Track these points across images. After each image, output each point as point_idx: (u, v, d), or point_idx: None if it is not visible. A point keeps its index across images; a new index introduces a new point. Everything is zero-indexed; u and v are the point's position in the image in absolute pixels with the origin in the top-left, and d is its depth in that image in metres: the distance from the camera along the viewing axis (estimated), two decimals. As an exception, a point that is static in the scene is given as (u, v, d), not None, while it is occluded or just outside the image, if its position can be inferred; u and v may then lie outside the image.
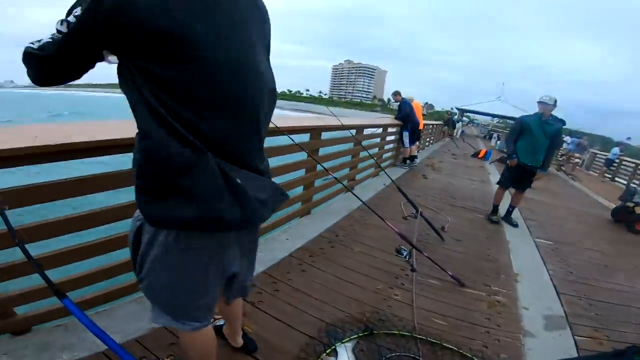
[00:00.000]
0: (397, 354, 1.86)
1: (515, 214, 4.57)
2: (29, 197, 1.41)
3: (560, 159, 12.35)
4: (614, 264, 3.60)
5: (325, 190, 3.98)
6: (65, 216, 1.59)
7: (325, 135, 3.47)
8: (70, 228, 1.59)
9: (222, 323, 1.77)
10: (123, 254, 1.75)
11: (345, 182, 4.10)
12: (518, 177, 4.16)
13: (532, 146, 3.91)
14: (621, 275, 3.34)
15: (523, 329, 2.24)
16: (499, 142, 13.90)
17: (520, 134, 4.00)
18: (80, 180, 1.57)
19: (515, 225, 4.30)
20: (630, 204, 5.16)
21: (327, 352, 1.79)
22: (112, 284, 1.89)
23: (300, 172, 3.42)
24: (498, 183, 4.43)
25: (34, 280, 1.39)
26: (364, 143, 4.67)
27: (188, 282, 1.00)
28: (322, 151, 3.58)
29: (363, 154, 4.74)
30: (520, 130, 3.98)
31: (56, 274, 1.42)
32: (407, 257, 2.64)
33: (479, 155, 10.96)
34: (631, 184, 8.23)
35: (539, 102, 3.85)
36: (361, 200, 3.05)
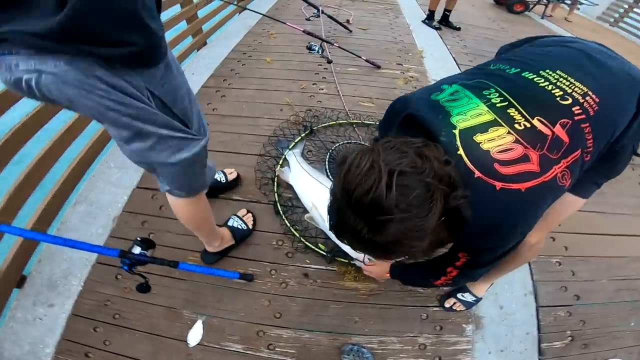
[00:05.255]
0: (341, 143, 2.00)
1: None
2: None
3: None
4: (499, 37, 4.03)
5: (213, 18, 3.40)
6: None
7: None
8: None
9: None
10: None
11: (234, 3, 3.51)
12: None
13: None
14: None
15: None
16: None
17: None
18: None
19: (458, 29, 4.00)
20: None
21: (280, 163, 1.85)
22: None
23: (176, 8, 2.81)
24: None
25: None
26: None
27: None
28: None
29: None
30: None
31: None
32: (320, 51, 2.57)
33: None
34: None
35: None
36: (260, 13, 2.79)
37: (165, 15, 2.63)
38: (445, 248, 0.76)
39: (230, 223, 1.53)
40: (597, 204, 1.86)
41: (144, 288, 1.08)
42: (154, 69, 0.76)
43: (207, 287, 1.41)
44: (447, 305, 1.39)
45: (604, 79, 0.71)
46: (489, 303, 1.44)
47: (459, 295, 1.39)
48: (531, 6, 5.55)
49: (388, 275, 1.26)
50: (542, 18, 5.47)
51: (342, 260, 1.49)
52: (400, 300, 1.41)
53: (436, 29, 3.93)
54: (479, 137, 0.63)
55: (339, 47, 2.75)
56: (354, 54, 2.75)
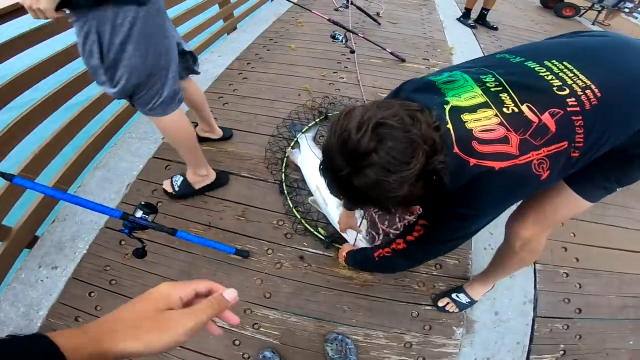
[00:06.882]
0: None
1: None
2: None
3: None
4: (539, 39, 3.71)
5: (244, 4, 3.45)
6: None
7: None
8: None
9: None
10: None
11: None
12: None
13: None
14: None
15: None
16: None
17: None
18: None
19: (495, 28, 3.85)
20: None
21: (291, 145, 1.87)
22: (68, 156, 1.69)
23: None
24: None
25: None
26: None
27: (156, 46, 1.09)
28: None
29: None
30: None
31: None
32: (344, 40, 2.55)
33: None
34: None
35: None
36: (290, 1, 2.80)
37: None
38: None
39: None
40: (619, 219, 1.74)
41: (140, 253, 1.11)
42: None
43: (203, 260, 1.44)
44: (440, 304, 1.36)
45: (623, 76, 0.66)
46: (484, 307, 1.40)
47: (453, 295, 1.35)
48: (582, 11, 5.17)
49: (344, 257, 1.29)
50: (593, 24, 5.12)
51: (340, 247, 1.48)
52: (392, 295, 1.39)
53: (471, 27, 3.78)
54: (465, 116, 0.65)
55: (363, 37, 2.72)
56: (378, 46, 2.71)
